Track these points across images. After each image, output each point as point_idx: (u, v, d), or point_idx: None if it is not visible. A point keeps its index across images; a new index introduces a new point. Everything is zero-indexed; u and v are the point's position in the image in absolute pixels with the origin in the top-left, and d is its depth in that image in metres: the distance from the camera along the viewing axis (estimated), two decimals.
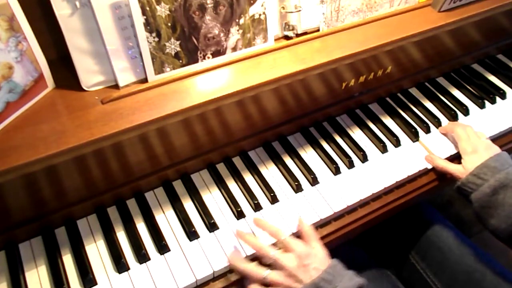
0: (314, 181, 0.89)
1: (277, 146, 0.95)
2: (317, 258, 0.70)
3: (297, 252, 0.70)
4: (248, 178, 0.90)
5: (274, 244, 0.75)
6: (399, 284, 0.98)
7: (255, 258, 0.76)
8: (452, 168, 0.89)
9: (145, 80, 0.76)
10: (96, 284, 0.73)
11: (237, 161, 0.92)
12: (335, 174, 0.91)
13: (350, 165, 0.92)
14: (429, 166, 0.93)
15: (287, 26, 0.86)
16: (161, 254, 0.77)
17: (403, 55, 1.01)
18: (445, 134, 0.99)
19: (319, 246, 0.74)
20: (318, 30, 0.88)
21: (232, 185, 0.88)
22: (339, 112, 1.03)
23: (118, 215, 0.82)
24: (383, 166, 0.93)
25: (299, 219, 0.79)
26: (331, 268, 0.69)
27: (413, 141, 0.99)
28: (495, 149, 0.88)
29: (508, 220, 0.79)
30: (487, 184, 0.80)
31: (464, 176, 0.85)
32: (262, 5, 0.80)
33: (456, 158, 0.94)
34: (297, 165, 0.93)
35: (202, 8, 0.74)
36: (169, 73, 0.77)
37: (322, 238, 0.83)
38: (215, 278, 0.77)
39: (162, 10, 0.71)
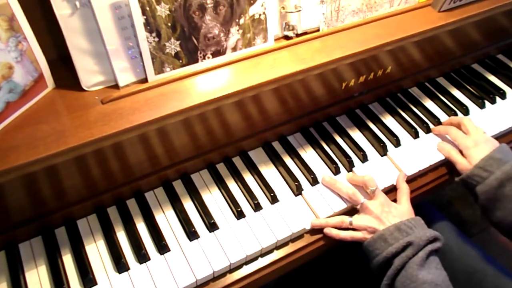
0: (314, 181, 0.89)
1: (277, 146, 0.95)
2: (398, 210, 0.82)
3: (381, 200, 0.82)
4: (248, 178, 0.90)
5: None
6: None
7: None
8: (457, 158, 0.90)
9: (145, 80, 0.76)
10: (96, 284, 0.73)
11: (237, 161, 0.92)
12: (335, 174, 0.91)
13: (350, 165, 0.92)
14: (428, 165, 0.93)
15: (287, 26, 0.86)
16: (161, 254, 0.77)
17: (403, 55, 1.01)
18: (438, 135, 0.99)
19: (406, 202, 0.84)
20: (318, 30, 0.88)
21: (232, 185, 0.88)
22: (339, 112, 1.03)
23: (118, 215, 0.82)
24: (383, 166, 0.93)
25: (399, 176, 0.89)
26: (414, 219, 0.79)
27: (413, 141, 0.99)
28: (495, 142, 0.89)
29: None
30: (493, 177, 0.81)
31: (468, 168, 0.86)
32: (262, 5, 0.80)
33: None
34: (297, 165, 0.93)
35: (202, 8, 0.74)
36: (169, 73, 0.77)
37: (322, 239, 0.83)
38: (215, 278, 0.77)
39: (162, 10, 0.71)
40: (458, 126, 0.97)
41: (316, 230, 0.83)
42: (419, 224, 0.78)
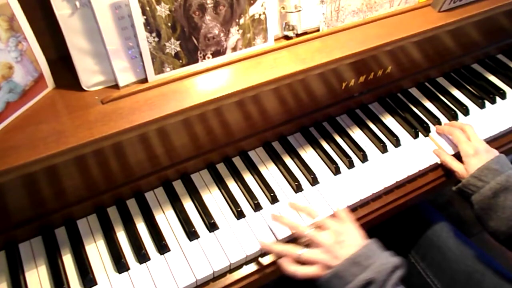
0: (314, 181, 0.89)
1: (277, 146, 0.95)
2: (352, 236, 0.72)
3: (333, 229, 0.73)
4: (248, 178, 0.90)
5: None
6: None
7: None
8: (456, 166, 0.89)
9: (145, 80, 0.76)
10: (96, 284, 0.73)
11: (237, 161, 0.92)
12: (335, 174, 0.91)
13: (350, 165, 0.92)
14: (428, 165, 0.93)
15: (287, 26, 0.86)
16: (161, 254, 0.77)
17: (403, 55, 1.01)
18: (440, 134, 0.99)
19: (352, 226, 0.75)
20: (318, 30, 0.88)
21: (232, 185, 0.88)
22: (339, 112, 1.03)
23: (118, 215, 0.82)
24: (383, 166, 0.93)
25: (340, 208, 0.80)
26: (368, 246, 0.70)
27: (413, 141, 0.99)
28: (495, 152, 0.89)
29: (508, 222, 0.79)
30: (488, 187, 0.81)
31: (465, 176, 0.85)
32: (262, 5, 0.80)
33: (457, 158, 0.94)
34: (297, 165, 0.93)
35: (202, 8, 0.74)
36: (169, 73, 0.77)
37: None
38: (215, 278, 0.77)
39: (162, 10, 0.71)
40: (461, 130, 0.96)
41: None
42: (375, 251, 0.70)
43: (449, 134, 0.97)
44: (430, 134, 1.00)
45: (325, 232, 0.73)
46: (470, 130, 0.94)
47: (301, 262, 0.73)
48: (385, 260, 0.69)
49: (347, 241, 0.71)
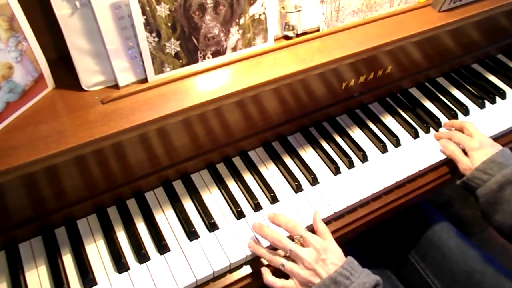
0: (314, 181, 0.89)
1: (277, 146, 0.95)
2: (334, 254, 0.71)
3: (315, 246, 0.71)
4: (248, 178, 0.90)
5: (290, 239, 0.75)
6: (399, 284, 0.98)
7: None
8: (460, 158, 0.89)
9: (145, 80, 0.76)
10: (96, 284, 0.73)
11: (237, 161, 0.92)
12: (335, 174, 0.91)
13: (350, 165, 0.92)
14: (428, 165, 0.93)
15: (287, 26, 0.86)
16: (161, 254, 0.77)
17: (403, 55, 1.01)
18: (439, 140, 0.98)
19: (334, 243, 0.74)
20: (318, 30, 0.88)
21: (232, 185, 0.88)
22: (339, 112, 1.03)
23: (118, 215, 0.82)
24: (383, 166, 0.93)
25: (314, 216, 0.78)
26: (348, 264, 0.70)
27: (413, 141, 0.99)
28: (499, 146, 0.89)
29: None
30: (493, 180, 0.80)
31: (470, 169, 0.85)
32: (262, 5, 0.80)
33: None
34: (297, 165, 0.93)
35: (202, 8, 0.74)
36: (169, 73, 0.77)
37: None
38: (215, 278, 0.77)
39: (162, 10, 0.71)
40: (461, 130, 0.96)
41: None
42: (354, 269, 0.69)
43: (449, 138, 0.96)
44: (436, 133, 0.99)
45: (308, 248, 0.72)
46: (471, 127, 0.94)
47: (282, 273, 0.72)
48: (365, 279, 0.68)
49: (329, 259, 0.70)
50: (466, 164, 0.87)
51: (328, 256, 0.70)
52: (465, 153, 0.91)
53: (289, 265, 0.72)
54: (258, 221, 0.79)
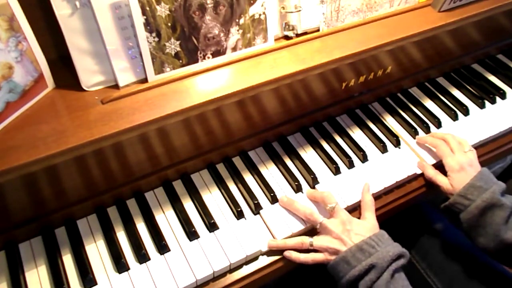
0: (314, 181, 0.89)
1: (277, 146, 0.95)
2: (360, 226, 0.78)
3: (342, 218, 0.78)
4: (248, 178, 0.90)
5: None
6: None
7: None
8: (441, 180, 0.89)
9: (145, 80, 0.76)
10: (96, 284, 0.73)
11: (237, 161, 0.92)
12: (335, 174, 0.91)
13: (350, 165, 0.92)
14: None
15: (287, 26, 0.86)
16: (161, 254, 0.77)
17: (403, 55, 1.01)
18: (421, 145, 0.97)
19: (371, 216, 0.81)
20: (318, 30, 0.88)
21: (232, 185, 0.88)
22: (339, 112, 1.03)
23: (118, 215, 0.82)
24: (383, 166, 0.93)
25: (364, 188, 0.85)
26: (376, 236, 0.75)
27: (413, 141, 0.99)
28: (477, 165, 0.88)
29: (496, 238, 0.80)
30: (474, 205, 0.81)
31: (451, 194, 0.86)
32: (262, 5, 0.80)
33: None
34: (297, 165, 0.93)
35: (202, 8, 0.74)
36: (169, 73, 0.77)
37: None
38: (215, 278, 0.77)
39: (162, 10, 0.71)
40: (444, 141, 0.94)
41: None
42: (383, 241, 0.75)
43: (432, 146, 0.95)
44: (411, 144, 0.98)
45: (335, 220, 0.79)
46: (452, 141, 0.92)
47: (311, 250, 0.78)
48: (389, 248, 0.73)
49: (354, 230, 0.76)
50: (447, 187, 0.87)
51: (353, 227, 0.77)
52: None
53: (317, 241, 0.77)
54: (285, 195, 0.84)
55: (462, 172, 0.86)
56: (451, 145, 0.91)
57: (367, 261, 0.71)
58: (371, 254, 0.72)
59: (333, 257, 0.75)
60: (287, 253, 0.79)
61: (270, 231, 0.81)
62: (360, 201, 0.86)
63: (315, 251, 0.78)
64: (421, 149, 0.97)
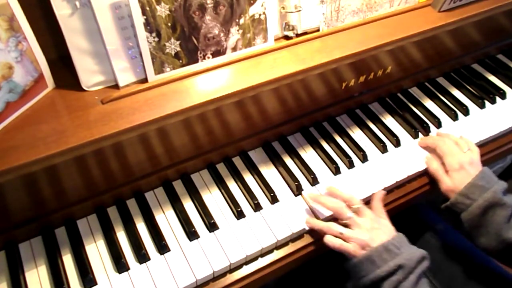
0: (314, 181, 0.89)
1: (277, 146, 0.95)
2: (385, 226, 0.79)
3: (370, 217, 0.79)
4: (248, 178, 0.90)
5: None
6: None
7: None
8: (442, 177, 0.88)
9: (145, 80, 0.76)
10: (96, 284, 0.73)
11: (237, 161, 0.92)
12: (335, 174, 0.91)
13: (350, 165, 0.92)
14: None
15: (287, 26, 0.86)
16: (161, 254, 0.77)
17: (403, 55, 1.01)
18: (425, 148, 0.97)
19: (386, 219, 0.82)
20: (318, 30, 0.88)
21: (232, 185, 0.88)
22: (339, 112, 1.03)
23: (118, 215, 0.82)
24: (383, 166, 0.93)
25: (375, 195, 0.85)
26: (399, 237, 0.77)
27: (413, 141, 0.99)
28: (478, 164, 0.88)
29: (498, 238, 0.80)
30: (476, 205, 0.81)
31: (451, 193, 0.86)
32: (262, 5, 0.80)
33: None
34: (297, 165, 0.93)
35: (202, 8, 0.74)
36: (169, 73, 0.77)
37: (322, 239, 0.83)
38: (215, 278, 0.77)
39: (162, 10, 0.71)
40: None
41: (316, 230, 0.83)
42: (404, 242, 0.77)
43: (433, 146, 0.94)
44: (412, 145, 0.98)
45: (363, 217, 0.79)
46: (452, 141, 0.92)
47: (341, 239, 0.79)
48: (414, 250, 0.75)
49: (381, 229, 0.78)
50: (447, 185, 0.87)
51: (381, 226, 0.79)
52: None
53: (347, 232, 0.78)
54: (311, 193, 0.86)
55: (462, 171, 0.86)
56: (451, 144, 0.91)
57: (395, 261, 0.72)
58: (397, 255, 0.73)
59: (360, 252, 0.75)
60: (325, 229, 0.80)
61: (271, 230, 0.81)
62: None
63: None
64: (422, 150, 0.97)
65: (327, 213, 0.83)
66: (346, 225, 0.79)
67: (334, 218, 0.83)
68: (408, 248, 0.75)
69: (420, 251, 0.75)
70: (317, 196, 0.84)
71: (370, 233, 0.76)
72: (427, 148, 0.97)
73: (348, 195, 0.82)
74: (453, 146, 0.91)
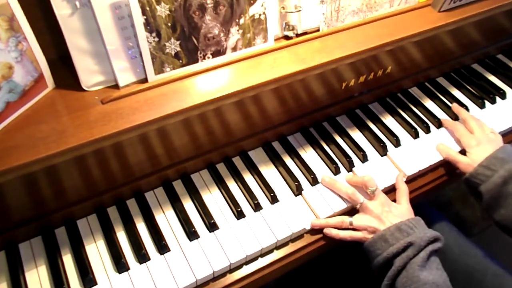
0: (314, 181, 0.89)
1: (277, 146, 0.95)
2: (398, 210, 0.82)
3: (381, 200, 0.83)
4: (248, 178, 0.90)
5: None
6: None
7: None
8: (460, 158, 0.91)
9: (145, 80, 0.76)
10: (96, 284, 0.73)
11: (237, 161, 0.92)
12: (335, 174, 0.91)
13: (350, 165, 0.92)
14: (428, 165, 0.93)
15: (287, 26, 0.86)
16: (161, 254, 0.77)
17: (403, 55, 1.01)
18: (447, 128, 1.01)
19: (406, 202, 0.85)
20: (318, 30, 0.88)
21: (232, 185, 0.88)
22: (339, 112, 1.03)
23: (118, 215, 0.82)
24: (383, 166, 0.93)
25: (397, 177, 0.89)
26: (414, 220, 0.79)
27: (413, 141, 0.99)
28: (499, 142, 0.91)
29: None
30: (497, 175, 0.82)
31: (472, 168, 0.86)
32: (262, 5, 0.80)
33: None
34: (297, 165, 0.93)
35: (202, 8, 0.74)
36: (169, 73, 0.77)
37: (322, 239, 0.83)
38: (215, 278, 0.77)
39: (162, 10, 0.71)
40: (464, 121, 0.98)
41: (316, 230, 0.83)
42: (419, 224, 0.79)
43: (451, 128, 0.98)
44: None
45: (375, 201, 0.83)
46: (472, 122, 0.96)
47: (350, 229, 0.82)
48: (426, 231, 0.77)
49: (393, 212, 0.81)
50: (466, 162, 0.89)
51: (392, 209, 0.81)
52: (463, 152, 0.93)
53: (357, 220, 0.81)
54: (327, 176, 0.88)
55: (480, 147, 0.89)
56: (471, 125, 0.95)
57: (406, 239, 0.75)
58: (409, 234, 0.76)
59: (370, 236, 0.79)
60: (327, 230, 0.82)
61: (271, 230, 0.81)
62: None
63: (354, 230, 0.82)
64: (422, 151, 0.97)
65: (327, 212, 0.83)
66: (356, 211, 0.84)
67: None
68: (422, 229, 0.77)
69: (433, 232, 0.77)
70: (333, 181, 0.87)
71: (379, 218, 0.80)
72: (447, 129, 1.00)
73: (367, 177, 0.85)
74: (474, 126, 0.94)
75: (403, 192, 0.86)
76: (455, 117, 1.04)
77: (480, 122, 0.97)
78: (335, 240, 0.82)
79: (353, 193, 0.84)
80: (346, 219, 0.82)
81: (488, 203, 0.84)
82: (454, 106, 1.04)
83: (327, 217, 0.83)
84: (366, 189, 0.84)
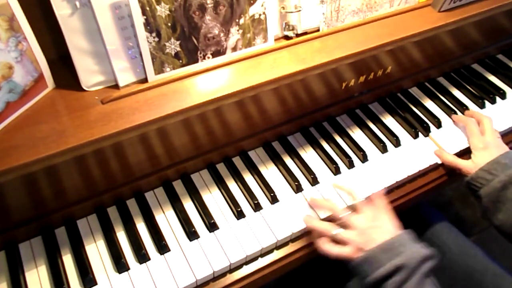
0: (314, 181, 0.89)
1: (277, 146, 0.95)
2: (385, 223, 0.76)
3: (367, 214, 0.77)
4: (248, 178, 0.90)
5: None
6: None
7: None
8: (461, 163, 0.90)
9: (145, 80, 0.76)
10: (96, 284, 0.73)
11: (237, 161, 0.92)
12: (335, 174, 0.91)
13: (350, 165, 0.92)
14: (428, 165, 0.93)
15: (287, 26, 0.86)
16: (161, 254, 0.77)
17: (403, 55, 1.01)
18: (456, 124, 1.01)
19: (388, 214, 0.78)
20: (318, 30, 0.88)
21: (232, 185, 0.88)
22: (339, 112, 1.03)
23: (118, 215, 0.82)
24: (383, 166, 0.93)
25: (377, 192, 0.83)
26: (401, 235, 0.74)
27: (413, 141, 0.99)
28: (505, 148, 0.90)
29: None
30: (497, 179, 0.81)
31: (473, 170, 0.86)
32: (262, 5, 0.80)
33: (461, 155, 0.94)
34: (297, 165, 0.93)
35: (202, 8, 0.74)
36: (169, 73, 0.77)
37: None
38: (215, 278, 0.77)
39: (162, 10, 0.71)
40: (478, 121, 0.97)
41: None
42: (407, 240, 0.73)
43: (464, 124, 0.98)
44: (430, 134, 0.99)
45: (360, 215, 0.78)
46: (486, 123, 0.95)
47: (335, 241, 0.77)
48: (416, 250, 0.71)
49: (380, 227, 0.75)
50: (469, 167, 0.88)
51: (379, 224, 0.76)
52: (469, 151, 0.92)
53: (342, 233, 0.76)
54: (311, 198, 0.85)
55: (486, 150, 0.88)
56: (485, 126, 0.94)
57: (394, 261, 0.69)
58: (398, 254, 0.70)
59: (356, 255, 0.73)
60: (316, 239, 0.79)
61: (271, 230, 0.81)
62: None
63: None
64: (423, 150, 0.97)
65: (327, 212, 0.83)
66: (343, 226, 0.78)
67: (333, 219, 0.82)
68: (412, 246, 0.72)
69: (424, 250, 0.71)
70: (314, 199, 0.85)
71: (365, 234, 0.74)
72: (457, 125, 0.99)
73: (348, 188, 0.83)
74: (487, 126, 0.93)
75: (381, 206, 0.80)
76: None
77: (492, 124, 0.95)
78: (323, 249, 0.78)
79: (335, 209, 0.80)
80: (330, 228, 0.77)
81: (486, 206, 0.84)
82: (468, 113, 1.03)
83: (326, 218, 0.83)
84: (351, 200, 0.81)
